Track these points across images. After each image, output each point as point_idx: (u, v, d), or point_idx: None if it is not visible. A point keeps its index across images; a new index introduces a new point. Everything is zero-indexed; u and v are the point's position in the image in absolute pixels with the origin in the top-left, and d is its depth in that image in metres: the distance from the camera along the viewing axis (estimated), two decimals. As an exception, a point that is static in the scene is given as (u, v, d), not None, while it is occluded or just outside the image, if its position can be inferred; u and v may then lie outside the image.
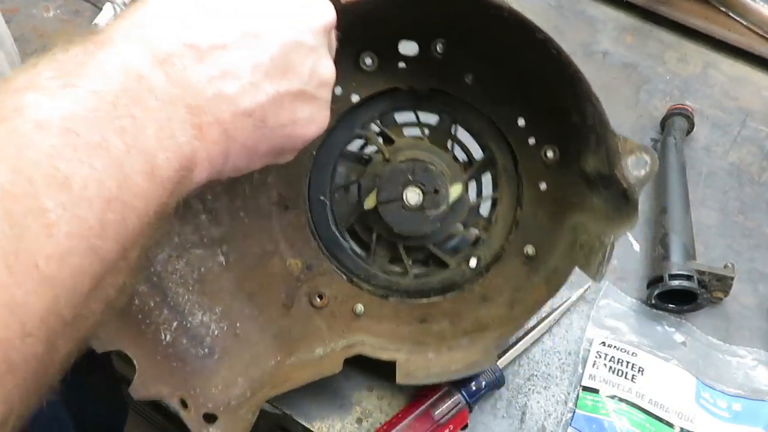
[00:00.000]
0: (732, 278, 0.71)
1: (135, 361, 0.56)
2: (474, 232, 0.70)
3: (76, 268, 0.31)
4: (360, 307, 0.68)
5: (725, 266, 0.72)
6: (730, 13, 0.97)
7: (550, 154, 0.64)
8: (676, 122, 0.84)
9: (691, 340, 0.72)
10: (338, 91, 0.65)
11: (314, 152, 0.67)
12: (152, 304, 0.60)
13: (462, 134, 0.68)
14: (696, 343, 0.71)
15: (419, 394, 0.66)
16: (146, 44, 0.37)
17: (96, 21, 0.96)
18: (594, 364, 0.69)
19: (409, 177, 0.63)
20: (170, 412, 0.64)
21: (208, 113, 0.39)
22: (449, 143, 0.68)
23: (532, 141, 0.65)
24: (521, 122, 0.65)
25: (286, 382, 0.62)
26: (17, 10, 0.98)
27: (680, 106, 0.85)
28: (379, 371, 0.65)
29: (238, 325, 0.65)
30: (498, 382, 0.66)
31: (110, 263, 0.34)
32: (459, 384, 0.65)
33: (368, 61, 0.64)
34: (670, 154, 0.81)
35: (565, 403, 0.68)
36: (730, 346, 0.71)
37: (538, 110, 0.63)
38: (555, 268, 0.63)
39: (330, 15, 0.46)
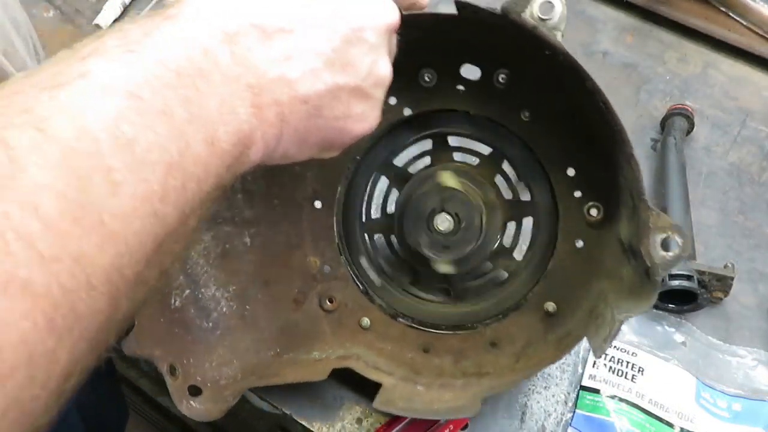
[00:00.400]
0: (732, 278, 0.71)
1: (135, 318, 0.56)
2: (503, 274, 0.68)
3: (139, 229, 0.32)
4: (367, 321, 0.67)
5: (725, 266, 0.72)
6: (730, 13, 0.97)
7: (593, 212, 0.62)
8: (676, 122, 0.84)
9: (691, 340, 0.72)
10: (392, 101, 0.64)
11: (358, 157, 0.67)
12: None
13: (509, 171, 0.67)
14: (696, 343, 0.71)
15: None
16: (214, 21, 0.38)
17: (96, 21, 0.96)
18: (594, 364, 0.69)
19: (457, 208, 0.62)
20: (170, 413, 0.64)
21: (268, 94, 0.40)
22: (496, 177, 0.67)
23: (578, 194, 0.63)
24: (571, 172, 0.63)
25: (275, 376, 0.62)
26: (17, 10, 0.98)
27: (680, 106, 0.85)
28: (363, 387, 0.64)
29: (247, 307, 0.65)
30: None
31: (170, 229, 0.34)
32: None
33: (428, 77, 0.64)
34: (670, 154, 0.81)
35: (565, 403, 0.68)
36: (730, 346, 0.71)
37: (590, 164, 0.61)
38: (569, 332, 0.60)
39: (394, 16, 0.46)
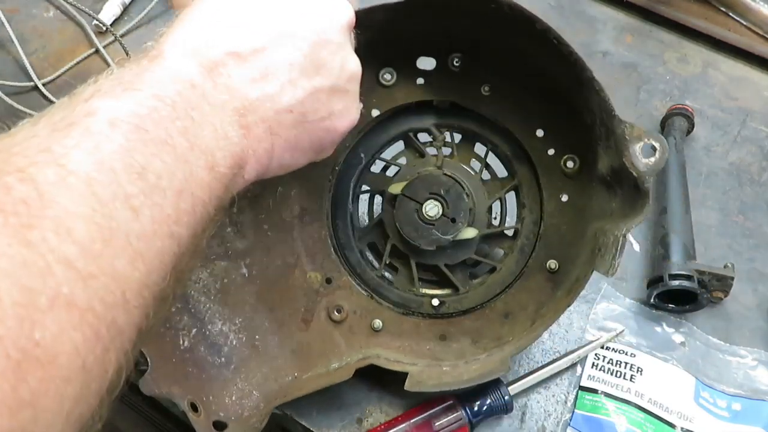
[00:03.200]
0: (732, 278, 0.71)
1: (149, 359, 0.56)
2: (500, 252, 0.69)
3: (160, 248, 0.35)
4: (378, 323, 0.68)
5: (725, 266, 0.72)
6: (730, 13, 0.97)
7: (570, 164, 0.64)
8: (676, 122, 0.84)
9: (690, 340, 0.72)
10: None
11: (337, 167, 0.68)
12: (173, 309, 0.61)
13: (482, 152, 0.68)
14: (696, 343, 0.71)
15: (421, 402, 0.65)
16: (193, 56, 0.41)
17: (96, 21, 0.96)
18: (593, 365, 0.69)
19: (441, 191, 0.64)
20: (170, 413, 0.64)
21: (254, 113, 0.43)
22: (471, 161, 0.68)
23: (551, 152, 0.65)
24: (540, 133, 0.65)
25: (299, 390, 0.62)
26: (17, 10, 0.98)
27: (680, 106, 0.85)
28: (386, 377, 0.65)
29: (257, 337, 0.65)
30: (506, 408, 0.65)
31: (185, 248, 0.37)
32: (464, 401, 0.64)
33: (387, 76, 0.66)
34: (669, 155, 0.81)
35: (565, 403, 0.68)
36: (730, 346, 0.71)
37: (555, 119, 0.63)
38: (577, 278, 0.62)
39: (351, 12, 0.49)
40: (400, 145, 0.70)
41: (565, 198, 0.65)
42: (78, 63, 0.90)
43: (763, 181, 0.84)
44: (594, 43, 0.96)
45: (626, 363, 0.68)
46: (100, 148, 0.33)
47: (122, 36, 0.95)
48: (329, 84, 0.47)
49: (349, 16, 0.49)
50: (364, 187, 0.71)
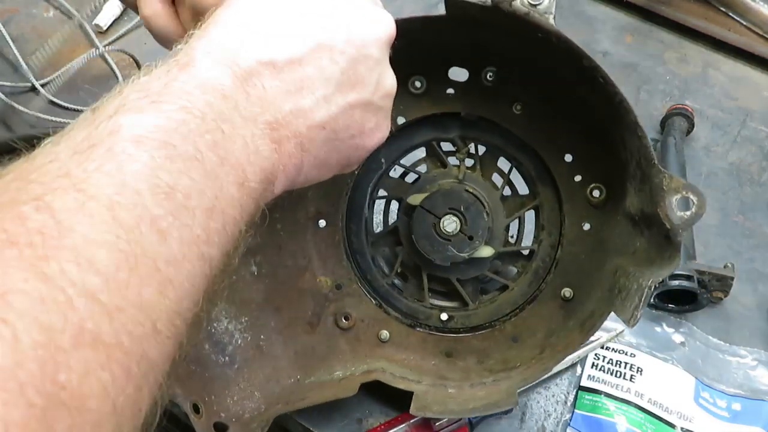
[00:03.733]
0: (732, 278, 0.71)
1: None
2: (513, 270, 0.68)
3: (191, 272, 0.33)
4: (385, 334, 0.67)
5: (725, 266, 0.72)
6: (730, 13, 0.97)
7: (596, 193, 0.62)
8: (676, 122, 0.84)
9: (690, 340, 0.72)
10: None
11: (357, 171, 0.66)
12: None
13: (506, 168, 0.67)
14: (696, 343, 0.71)
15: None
16: (226, 64, 0.39)
17: (96, 21, 0.96)
18: (593, 365, 0.69)
19: (461, 207, 0.62)
20: (170, 412, 0.64)
21: (286, 128, 0.41)
22: (493, 176, 0.67)
23: (578, 178, 0.63)
24: (568, 158, 0.63)
25: (301, 401, 0.62)
26: (17, 10, 0.98)
27: (680, 106, 0.85)
28: (393, 397, 0.64)
29: (262, 337, 0.64)
30: (507, 409, 0.65)
31: (216, 269, 0.35)
32: None
33: (417, 84, 0.64)
34: (670, 155, 0.81)
35: (565, 403, 0.68)
36: (730, 346, 0.71)
37: (587, 146, 0.61)
38: (591, 313, 0.60)
39: (392, 27, 0.47)
40: (421, 152, 0.68)
41: (587, 227, 0.63)
42: (77, 63, 0.90)
43: (763, 181, 0.84)
44: (594, 43, 0.96)
45: (626, 363, 0.68)
46: (123, 169, 0.31)
47: (122, 36, 0.95)
48: (364, 101, 0.45)
49: (391, 31, 0.46)
50: (381, 192, 0.69)
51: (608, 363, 0.69)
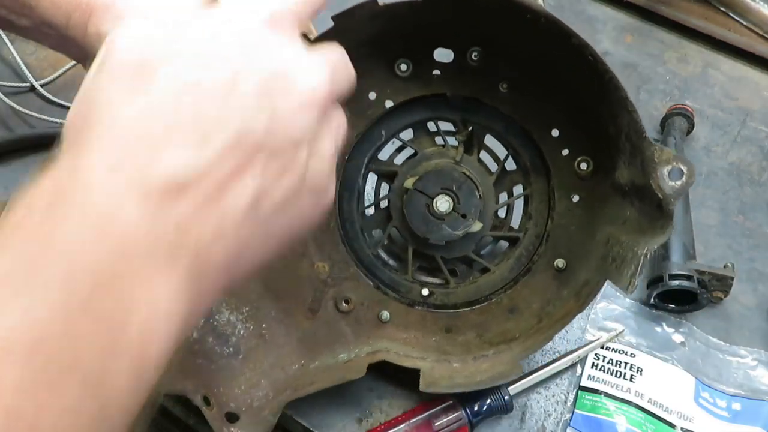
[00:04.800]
0: (732, 278, 0.71)
1: None
2: (505, 244, 0.70)
3: None
4: (386, 314, 0.68)
5: (725, 266, 0.72)
6: (730, 13, 0.97)
7: (584, 165, 0.64)
8: (676, 122, 0.84)
9: (690, 340, 0.72)
10: (372, 96, 0.65)
11: (347, 157, 0.67)
12: None
13: (495, 145, 0.68)
14: (696, 343, 0.71)
15: (421, 401, 0.66)
16: (127, 188, 0.29)
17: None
18: (593, 365, 0.69)
19: (453, 186, 0.64)
20: (170, 413, 0.64)
21: (209, 270, 0.33)
22: (482, 153, 0.68)
23: (565, 152, 0.64)
24: (555, 133, 0.64)
25: (311, 384, 0.63)
26: (17, 11, 0.98)
27: (680, 106, 0.85)
28: (399, 377, 0.65)
29: (264, 326, 0.65)
30: (506, 408, 0.65)
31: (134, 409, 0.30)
32: (464, 401, 0.64)
33: (403, 67, 0.64)
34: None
35: (565, 403, 0.68)
36: (730, 346, 0.71)
37: (573, 120, 0.63)
38: (586, 282, 0.62)
39: (325, 81, 0.37)
40: (405, 135, 0.69)
41: (576, 198, 0.65)
42: (77, 64, 0.90)
43: (763, 181, 0.84)
44: (594, 43, 0.94)
45: (626, 363, 0.68)
46: None
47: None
48: (295, 192, 0.36)
49: (326, 86, 0.37)
50: (372, 176, 0.70)
51: (608, 363, 0.69)
